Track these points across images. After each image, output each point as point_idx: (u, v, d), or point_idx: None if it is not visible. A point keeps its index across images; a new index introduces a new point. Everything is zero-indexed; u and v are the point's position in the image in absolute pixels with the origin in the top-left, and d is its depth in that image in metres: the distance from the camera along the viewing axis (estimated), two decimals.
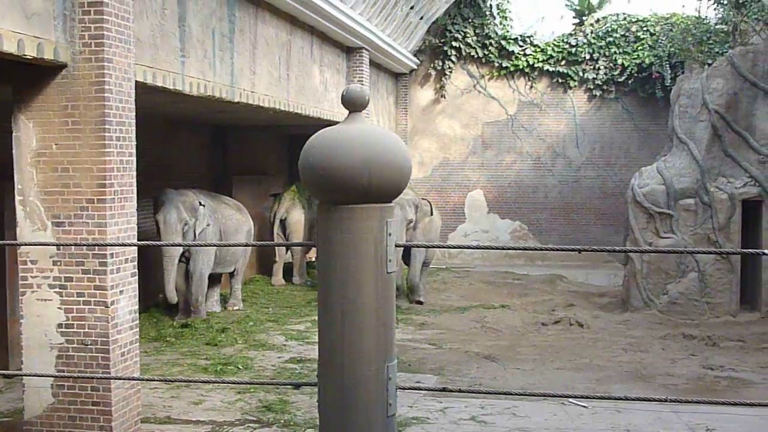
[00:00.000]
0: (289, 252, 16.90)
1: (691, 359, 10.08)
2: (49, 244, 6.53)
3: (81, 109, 6.54)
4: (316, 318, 8.18)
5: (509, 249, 2.95)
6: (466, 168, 20.05)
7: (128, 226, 6.89)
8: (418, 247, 12.72)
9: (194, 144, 15.01)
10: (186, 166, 14.40)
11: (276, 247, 16.26)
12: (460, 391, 2.39)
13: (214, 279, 12.83)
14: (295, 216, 16.38)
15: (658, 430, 7.06)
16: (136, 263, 7.07)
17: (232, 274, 13.34)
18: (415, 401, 7.99)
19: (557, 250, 2.73)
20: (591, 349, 10.50)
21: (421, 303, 14.16)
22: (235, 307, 13.33)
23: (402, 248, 13.23)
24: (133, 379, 6.56)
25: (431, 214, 14.50)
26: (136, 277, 7.11)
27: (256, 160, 17.97)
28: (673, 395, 8.38)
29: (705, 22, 15.15)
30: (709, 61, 14.01)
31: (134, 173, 6.98)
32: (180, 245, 3.18)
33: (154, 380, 6.08)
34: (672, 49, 16.50)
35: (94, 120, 6.53)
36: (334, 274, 2.19)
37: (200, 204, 11.87)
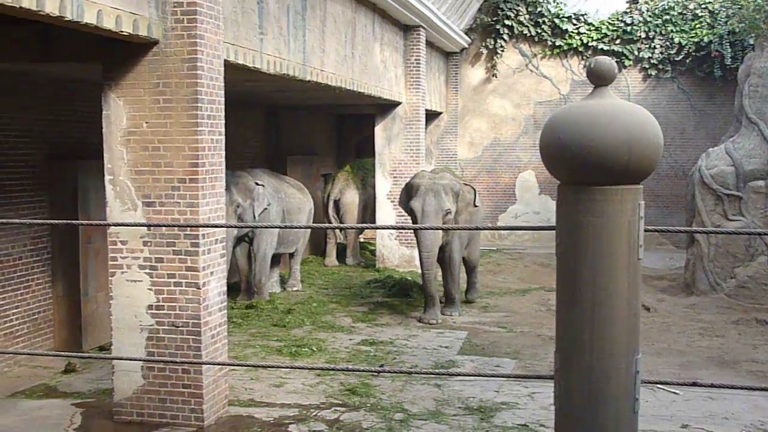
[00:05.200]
0: (342, 232, 16.83)
1: None
2: (141, 225, 6.45)
3: (172, 86, 6.44)
4: (379, 299, 7.97)
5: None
6: (517, 148, 19.79)
7: (218, 207, 6.81)
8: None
9: (249, 124, 14.93)
10: (242, 146, 14.32)
11: (329, 229, 16.13)
12: (712, 385, 2.24)
13: (274, 259, 12.75)
14: (349, 197, 16.29)
15: (757, 418, 6.87)
16: (225, 244, 6.99)
17: (291, 255, 13.28)
18: (501, 386, 7.85)
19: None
20: (665, 334, 10.29)
21: (472, 302, 11.93)
22: (294, 288, 13.26)
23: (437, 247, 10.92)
24: (246, 365, 6.43)
25: (475, 205, 11.45)
26: (225, 258, 7.03)
27: (307, 140, 17.89)
28: (764, 382, 8.18)
29: None
30: None
31: (223, 152, 6.91)
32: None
33: (262, 366, 5.98)
34: (739, 27, 16.09)
35: (185, 98, 6.43)
36: (583, 261, 2.04)
37: (257, 184, 11.70)
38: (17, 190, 8.67)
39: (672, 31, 18.55)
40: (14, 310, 8.68)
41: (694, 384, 2.21)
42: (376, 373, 8.05)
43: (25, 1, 4.90)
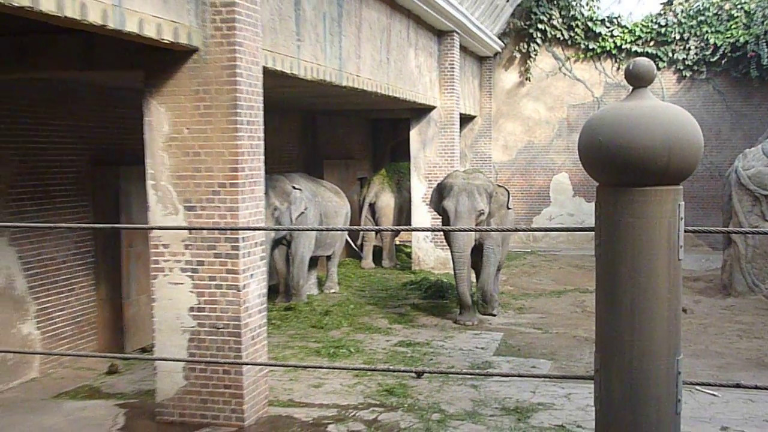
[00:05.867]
0: (378, 236, 16.84)
1: None
2: (182, 228, 6.50)
3: (212, 93, 6.49)
4: (415, 301, 7.90)
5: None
6: (551, 151, 19.69)
7: (257, 210, 6.84)
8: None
9: (287, 129, 15.00)
10: (280, 151, 14.39)
11: (365, 231, 16.09)
12: (756, 387, 2.21)
13: (311, 262, 12.78)
14: (385, 200, 16.29)
15: None
16: (264, 247, 7.02)
17: (329, 257, 13.31)
18: (537, 387, 7.81)
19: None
20: (703, 335, 10.16)
21: (494, 315, 11.34)
22: (332, 290, 13.30)
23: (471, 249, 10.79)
24: (284, 365, 6.43)
25: (508, 207, 11.18)
26: (265, 261, 7.07)
27: (343, 144, 17.94)
28: None
29: None
30: None
31: (262, 157, 6.94)
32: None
33: (298, 366, 5.99)
34: None
35: (225, 104, 6.47)
36: (623, 262, 2.02)
37: (295, 188, 11.74)
38: (61, 195, 8.79)
39: (707, 31, 18.34)
40: (59, 313, 8.80)
41: (738, 386, 2.17)
42: (416, 375, 8.02)
43: (68, 10, 4.97)
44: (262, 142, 6.91)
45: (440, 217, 11.30)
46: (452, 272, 11.67)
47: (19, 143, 8.23)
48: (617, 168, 2.01)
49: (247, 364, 6.49)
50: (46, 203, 8.58)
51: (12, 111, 8.15)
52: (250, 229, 6.61)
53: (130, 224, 9.36)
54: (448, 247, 11.61)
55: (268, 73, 7.58)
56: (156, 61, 6.53)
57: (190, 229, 5.25)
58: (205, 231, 6.58)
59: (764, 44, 17.51)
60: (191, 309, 6.68)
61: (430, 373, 6.84)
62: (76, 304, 9.06)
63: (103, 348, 9.35)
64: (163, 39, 5.95)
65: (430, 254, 15.60)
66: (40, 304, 8.54)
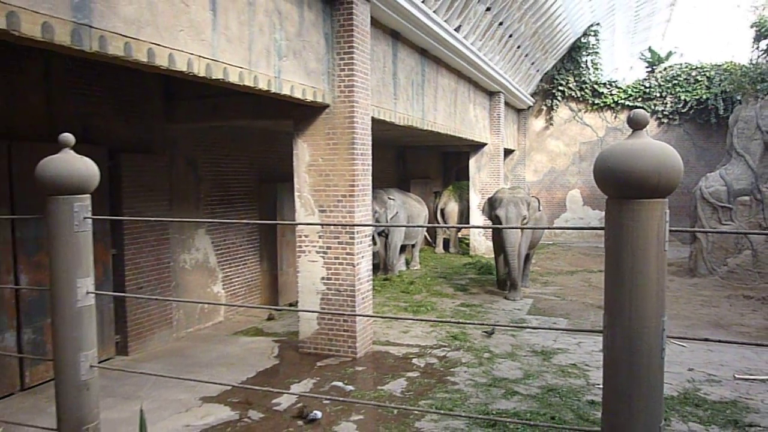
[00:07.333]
0: (446, 230, 16.69)
1: (755, 313, 9.13)
2: (317, 224, 6.58)
3: (338, 135, 6.55)
4: (472, 276, 7.63)
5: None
6: (567, 174, 19.17)
7: (367, 212, 6.86)
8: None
9: (386, 158, 15.03)
10: (381, 173, 14.42)
11: (438, 228, 15.92)
12: (718, 341, 2.10)
13: (402, 248, 12.76)
14: (451, 206, 16.13)
15: (745, 366, 6.38)
16: (371, 238, 7.03)
17: (413, 245, 13.27)
18: (557, 337, 7.60)
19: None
20: (675, 304, 9.71)
21: (526, 287, 10.77)
22: (415, 267, 13.24)
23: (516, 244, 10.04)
24: (386, 317, 6.45)
25: (539, 210, 10.61)
26: (371, 247, 7.07)
27: (423, 168, 17.86)
28: (750, 341, 7.59)
29: (758, 66, 13.70)
30: (761, 96, 12.67)
31: (371, 177, 6.94)
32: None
33: (390, 318, 6.04)
34: (729, 87, 15.06)
35: (346, 142, 6.53)
36: (625, 251, 1.95)
37: (389, 198, 11.73)
38: (240, 202, 9.02)
39: (679, 91, 17.54)
40: (236, 279, 9.02)
41: (706, 340, 2.08)
42: (488, 335, 7.67)
43: (246, 80, 5.10)
44: (370, 167, 6.93)
45: (491, 221, 10.98)
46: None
47: (212, 168, 8.49)
48: (622, 186, 1.94)
49: (358, 315, 6.52)
50: (229, 207, 8.82)
51: (208, 147, 8.41)
52: (361, 225, 6.64)
53: (283, 221, 9.51)
54: (499, 242, 11.17)
55: (374, 120, 7.64)
56: (301, 113, 6.64)
57: (322, 224, 5.33)
58: (332, 226, 6.64)
59: (721, 100, 16.68)
60: (322, 278, 6.75)
61: (493, 326, 6.72)
62: (247, 273, 9.28)
63: (264, 303, 9.55)
64: (306, 99, 6.04)
65: (482, 244, 15.40)
66: (225, 272, 8.78)
